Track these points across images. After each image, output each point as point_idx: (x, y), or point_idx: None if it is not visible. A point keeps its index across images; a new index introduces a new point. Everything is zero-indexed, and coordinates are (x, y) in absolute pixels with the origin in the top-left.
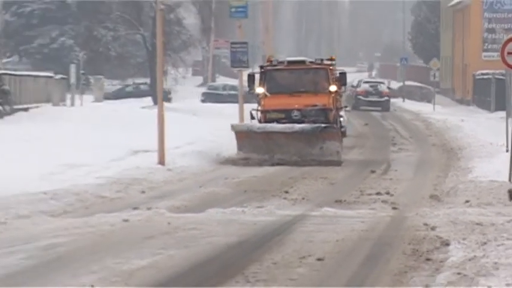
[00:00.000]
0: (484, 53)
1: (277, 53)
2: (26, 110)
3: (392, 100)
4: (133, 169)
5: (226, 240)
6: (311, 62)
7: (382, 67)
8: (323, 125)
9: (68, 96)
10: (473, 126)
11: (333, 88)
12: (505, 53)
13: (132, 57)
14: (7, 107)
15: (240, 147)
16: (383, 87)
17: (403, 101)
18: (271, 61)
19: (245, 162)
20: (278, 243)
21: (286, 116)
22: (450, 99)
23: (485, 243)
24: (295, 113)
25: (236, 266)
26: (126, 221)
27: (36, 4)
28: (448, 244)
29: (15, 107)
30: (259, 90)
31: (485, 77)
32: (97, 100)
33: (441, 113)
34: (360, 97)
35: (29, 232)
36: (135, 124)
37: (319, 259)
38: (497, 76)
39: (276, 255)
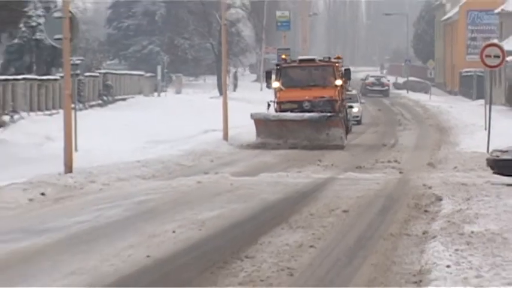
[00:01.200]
0: (468, 56)
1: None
2: (124, 99)
3: (398, 91)
4: (204, 144)
5: (274, 197)
6: (320, 60)
7: (391, 67)
8: (328, 114)
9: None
10: (459, 111)
11: (338, 82)
12: (484, 56)
13: (203, 59)
14: (110, 98)
15: (258, 133)
16: (384, 80)
17: (407, 92)
18: (285, 59)
19: (263, 146)
20: (313, 199)
21: (298, 106)
22: (442, 91)
23: (468, 198)
24: (306, 103)
25: (282, 216)
26: (199, 182)
27: (131, 20)
28: (441, 199)
29: (116, 97)
30: (275, 84)
31: (468, 74)
32: (177, 92)
33: (435, 101)
34: (368, 87)
35: (126, 191)
36: (205, 110)
37: (344, 211)
38: (477, 73)
39: (312, 208)
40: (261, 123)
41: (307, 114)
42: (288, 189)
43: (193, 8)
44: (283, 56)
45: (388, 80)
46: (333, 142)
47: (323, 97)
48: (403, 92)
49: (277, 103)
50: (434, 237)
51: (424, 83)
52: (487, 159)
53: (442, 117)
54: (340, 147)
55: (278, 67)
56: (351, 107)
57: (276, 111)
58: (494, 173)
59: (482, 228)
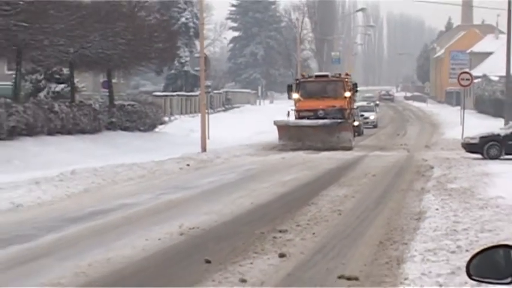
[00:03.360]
0: (450, 79)
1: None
2: (238, 107)
3: (407, 101)
4: None
5: (330, 167)
6: (332, 76)
7: (403, 86)
8: (339, 120)
9: (257, 100)
10: (445, 113)
11: (347, 94)
12: (459, 79)
13: (287, 82)
14: (229, 106)
15: (280, 137)
16: (390, 92)
17: (413, 102)
18: (304, 75)
19: (284, 148)
20: (354, 167)
21: (314, 114)
22: (434, 101)
23: (450, 167)
24: (320, 112)
25: (334, 178)
26: (283, 158)
27: (242, 58)
28: (433, 168)
29: (233, 106)
30: (295, 96)
31: (451, 90)
32: (270, 102)
33: (430, 107)
34: (381, 96)
35: (239, 163)
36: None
37: (373, 175)
38: (456, 90)
39: (353, 173)
40: (283, 128)
41: (321, 121)
42: (339, 162)
43: (281, 50)
44: (303, 73)
45: (393, 92)
46: (342, 144)
47: (334, 106)
48: (410, 102)
49: (297, 111)
50: (428, 191)
51: (423, 96)
52: (462, 143)
53: (434, 117)
54: (349, 149)
55: (297, 81)
56: (363, 115)
57: (296, 118)
58: (466, 151)
59: (458, 185)
